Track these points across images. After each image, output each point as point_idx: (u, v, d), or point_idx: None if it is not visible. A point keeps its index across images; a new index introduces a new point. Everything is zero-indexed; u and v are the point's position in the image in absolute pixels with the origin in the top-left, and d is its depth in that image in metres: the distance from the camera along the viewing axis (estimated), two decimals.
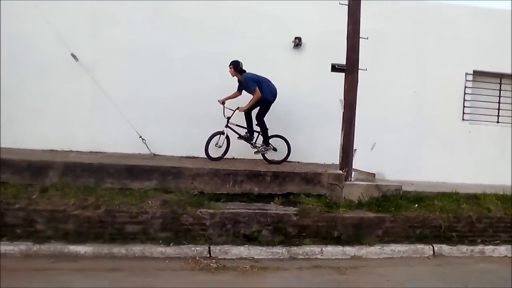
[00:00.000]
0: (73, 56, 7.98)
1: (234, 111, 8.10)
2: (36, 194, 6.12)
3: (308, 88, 9.18)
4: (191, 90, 8.82)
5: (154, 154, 8.39)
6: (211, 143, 8.01)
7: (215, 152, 8.07)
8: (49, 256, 5.50)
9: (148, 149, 8.36)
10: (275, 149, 8.39)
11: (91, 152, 8.41)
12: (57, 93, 8.47)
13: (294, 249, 6.15)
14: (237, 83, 8.31)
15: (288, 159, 8.48)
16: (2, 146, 8.05)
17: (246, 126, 8.32)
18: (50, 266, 5.23)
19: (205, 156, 8.02)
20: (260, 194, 6.98)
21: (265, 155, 8.41)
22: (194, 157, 8.56)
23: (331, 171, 7.36)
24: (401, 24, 9.49)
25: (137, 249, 5.74)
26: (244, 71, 8.14)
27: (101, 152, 8.40)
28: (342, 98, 7.61)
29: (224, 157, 8.13)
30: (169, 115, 8.78)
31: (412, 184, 8.13)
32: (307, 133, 9.21)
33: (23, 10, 8.02)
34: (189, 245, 5.92)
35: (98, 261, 5.51)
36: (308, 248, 6.17)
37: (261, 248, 6.07)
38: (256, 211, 6.36)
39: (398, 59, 9.47)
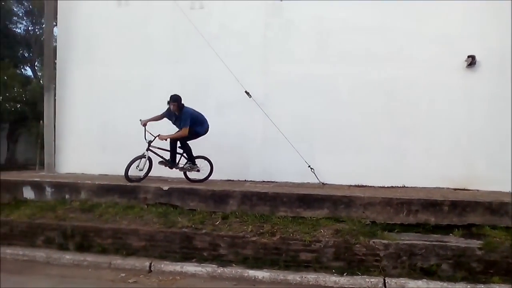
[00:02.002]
0: (247, 93, 8.65)
1: (155, 138, 7.93)
2: (219, 220, 6.69)
3: (486, 110, 8.37)
4: (358, 118, 8.80)
5: (323, 183, 8.49)
6: (131, 167, 7.80)
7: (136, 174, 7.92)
8: (231, 279, 5.90)
9: (317, 178, 8.49)
10: (198, 170, 8.35)
11: (263, 181, 8.89)
12: (233, 128, 9.25)
13: (481, 286, 5.53)
14: (171, 115, 8.16)
15: (466, 187, 7.77)
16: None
17: (169, 150, 8.20)
18: None
19: (369, 185, 7.83)
20: (437, 225, 6.50)
21: (187, 173, 8.43)
22: (363, 186, 8.42)
23: None
24: None
25: (311, 277, 5.81)
26: (183, 105, 8.03)
27: (273, 182, 8.82)
28: None
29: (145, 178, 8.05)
30: (336, 144, 8.87)
31: None
32: (487, 159, 8.34)
33: (205, 55, 9.03)
34: (363, 276, 5.78)
35: (274, 286, 5.73)
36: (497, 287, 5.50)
37: (441, 283, 5.59)
38: (434, 243, 5.93)
39: None
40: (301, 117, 9.02)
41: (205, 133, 8.27)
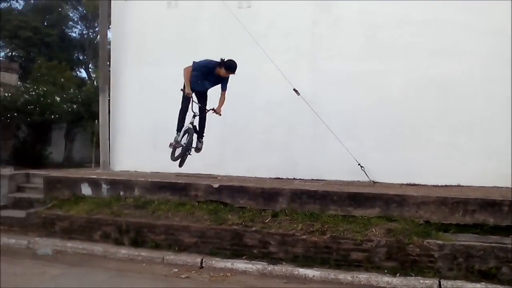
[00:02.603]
0: (295, 91, 8.61)
1: (209, 110, 7.10)
2: (269, 218, 6.73)
3: None
4: (410, 115, 8.55)
5: (373, 182, 8.33)
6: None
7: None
8: (281, 277, 5.94)
9: (367, 176, 8.34)
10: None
11: (312, 180, 8.83)
12: (282, 126, 9.25)
13: None
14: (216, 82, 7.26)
15: None
16: (236, 174, 9.18)
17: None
18: (284, 286, 5.63)
19: (422, 184, 7.77)
20: (496, 226, 6.20)
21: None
22: (416, 184, 8.18)
23: None
24: None
25: (362, 276, 5.74)
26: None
27: (322, 180, 8.75)
28: None
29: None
30: (386, 141, 8.66)
31: None
32: None
33: (253, 54, 9.07)
34: (416, 277, 5.66)
35: (325, 285, 5.71)
36: None
37: (501, 287, 5.38)
38: (493, 244, 5.70)
39: None
40: (351, 114, 8.86)
41: None
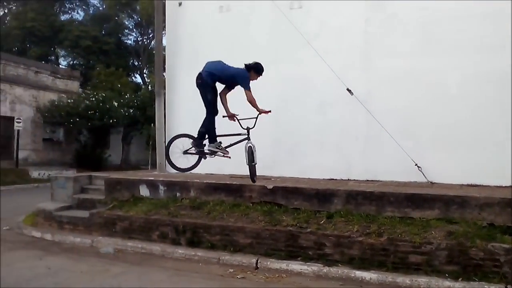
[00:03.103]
0: (349, 90, 8.50)
1: (258, 115, 6.96)
2: (324, 219, 6.66)
3: None
4: (469, 113, 8.21)
5: (431, 182, 8.06)
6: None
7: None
8: (337, 279, 5.85)
9: (425, 177, 8.09)
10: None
11: (367, 180, 8.68)
12: (335, 126, 9.17)
13: None
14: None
15: None
16: (290, 175, 9.18)
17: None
18: None
19: (484, 184, 7.41)
20: None
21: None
22: (477, 185, 7.84)
23: None
24: None
25: (422, 280, 5.55)
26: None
27: (377, 181, 8.58)
28: None
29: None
30: (445, 141, 8.37)
31: None
32: None
33: (305, 55, 9.06)
34: (480, 282, 5.39)
35: None
36: None
37: None
38: None
39: None
40: (406, 113, 8.63)
41: None
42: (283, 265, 6.25)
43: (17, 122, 19.72)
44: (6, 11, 34.83)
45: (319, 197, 7.01)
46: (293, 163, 9.42)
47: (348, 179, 8.89)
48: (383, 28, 9.02)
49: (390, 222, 6.32)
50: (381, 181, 8.58)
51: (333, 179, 8.97)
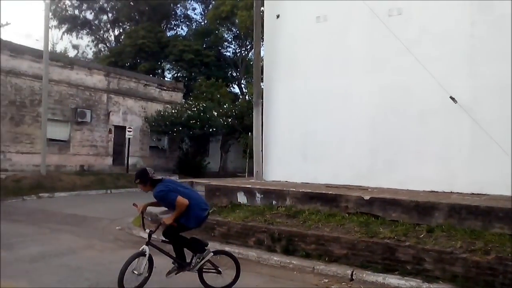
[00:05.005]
0: (452, 98, 8.08)
1: (158, 226, 5.64)
2: (423, 233, 6.40)
3: None
4: None
5: None
6: (127, 270, 5.12)
7: (132, 282, 5.22)
8: None
9: None
10: (219, 272, 5.72)
11: (472, 194, 8.14)
12: (436, 136, 8.75)
13: None
14: None
15: None
16: (387, 186, 8.92)
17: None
18: None
19: None
20: None
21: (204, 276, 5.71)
22: None
23: None
24: None
25: None
26: (160, 180, 5.41)
27: (483, 194, 8.01)
28: None
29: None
30: None
31: None
32: None
33: (404, 62, 8.79)
34: None
35: None
36: None
37: None
38: None
39: None
40: None
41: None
42: (379, 278, 6.10)
43: (128, 131, 21.47)
44: (121, 30, 38.28)
45: (419, 209, 6.75)
46: (391, 174, 9.14)
47: (451, 192, 8.41)
48: (491, 30, 8.43)
49: (498, 239, 5.90)
50: (488, 194, 8.00)
51: (434, 191, 8.54)
